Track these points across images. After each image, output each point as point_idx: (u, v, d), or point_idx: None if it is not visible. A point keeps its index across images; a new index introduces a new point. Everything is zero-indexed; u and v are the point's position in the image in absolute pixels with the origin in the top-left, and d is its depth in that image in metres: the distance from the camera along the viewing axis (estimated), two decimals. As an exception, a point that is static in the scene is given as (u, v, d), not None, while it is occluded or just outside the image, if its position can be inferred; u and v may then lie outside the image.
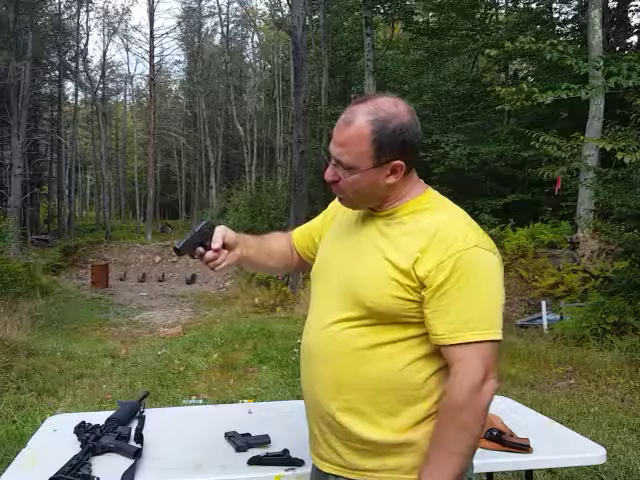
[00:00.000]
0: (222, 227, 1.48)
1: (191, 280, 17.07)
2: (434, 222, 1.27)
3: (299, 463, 1.68)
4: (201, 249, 1.43)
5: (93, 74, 33.99)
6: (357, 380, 1.29)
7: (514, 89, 6.42)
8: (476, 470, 1.43)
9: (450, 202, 1.37)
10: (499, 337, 1.23)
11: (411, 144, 1.28)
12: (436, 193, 1.39)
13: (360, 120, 1.25)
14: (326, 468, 1.36)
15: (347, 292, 1.31)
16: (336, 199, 1.55)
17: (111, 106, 41.92)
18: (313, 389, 1.37)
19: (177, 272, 18.47)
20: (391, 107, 1.26)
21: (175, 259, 19.66)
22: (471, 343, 1.21)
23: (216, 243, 1.43)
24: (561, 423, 2.23)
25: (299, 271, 1.71)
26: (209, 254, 1.43)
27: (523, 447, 1.84)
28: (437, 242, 1.23)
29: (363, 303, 1.28)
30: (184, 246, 1.42)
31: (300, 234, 1.68)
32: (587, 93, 6.28)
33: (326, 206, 1.62)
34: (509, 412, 2.18)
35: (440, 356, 1.28)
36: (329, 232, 1.52)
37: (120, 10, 47.06)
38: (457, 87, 18.67)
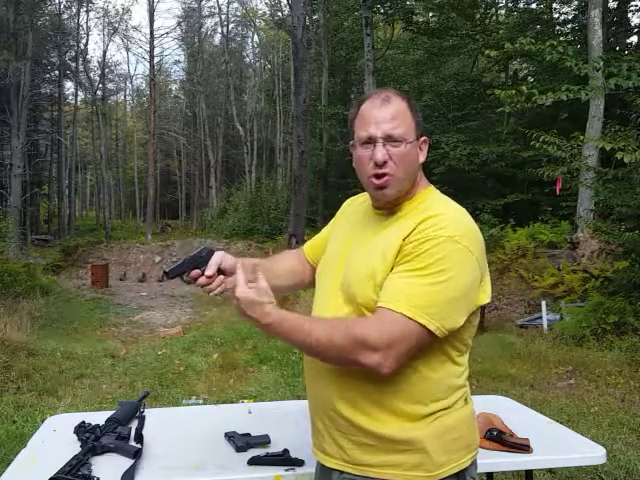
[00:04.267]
0: (220, 253, 1.47)
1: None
2: (425, 213, 1.29)
3: (299, 463, 1.68)
4: (193, 274, 1.42)
5: (93, 74, 34.02)
6: (356, 376, 1.29)
7: (514, 91, 6.41)
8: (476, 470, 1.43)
9: (449, 201, 1.37)
10: (422, 321, 1.19)
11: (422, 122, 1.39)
12: (437, 191, 1.41)
13: (396, 97, 1.34)
14: (330, 463, 1.36)
15: (345, 289, 1.34)
16: (344, 205, 1.59)
17: (111, 106, 41.93)
18: (316, 385, 1.39)
19: (177, 272, 18.44)
20: (397, 92, 1.38)
21: (175, 259, 19.66)
22: (393, 311, 1.20)
23: (209, 269, 1.41)
24: (561, 423, 2.23)
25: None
26: (202, 279, 1.41)
27: (523, 447, 1.85)
28: (418, 228, 1.26)
29: (355, 300, 1.30)
30: (173, 270, 1.42)
31: (311, 246, 1.69)
32: (587, 94, 6.28)
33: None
34: (509, 412, 2.18)
35: (440, 356, 1.29)
36: (336, 232, 1.55)
37: (120, 10, 47.10)
38: (457, 87, 18.66)
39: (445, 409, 1.30)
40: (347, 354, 1.22)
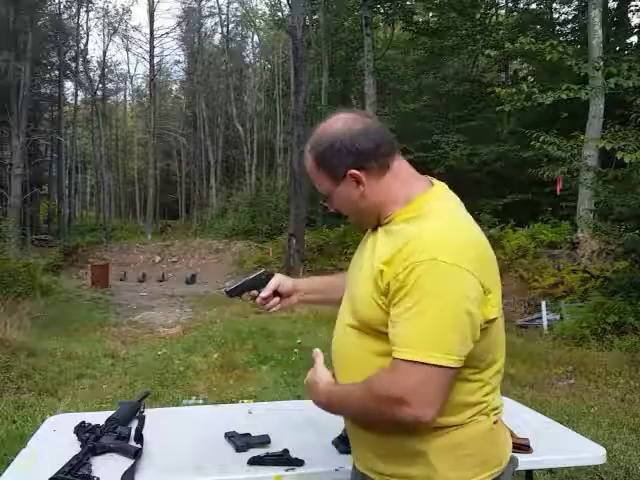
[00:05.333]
0: (279, 276, 1.65)
1: (191, 280, 17.06)
2: (407, 234, 1.20)
3: (299, 463, 1.68)
4: (251, 294, 1.63)
5: (93, 74, 34.02)
6: None
7: (514, 90, 6.42)
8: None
9: (440, 210, 1.27)
10: (436, 361, 1.13)
11: (355, 150, 1.25)
12: (434, 195, 1.31)
13: (308, 152, 1.33)
14: (361, 467, 1.39)
15: (351, 301, 1.34)
16: None
17: (111, 106, 41.90)
18: None
19: (177, 272, 18.48)
20: (325, 126, 1.31)
21: (175, 259, 19.71)
22: (404, 360, 1.15)
23: (265, 292, 1.61)
24: (561, 423, 2.23)
25: None
26: (258, 299, 1.62)
27: (523, 447, 1.84)
28: (400, 255, 1.18)
29: (357, 314, 1.30)
30: (234, 290, 1.64)
31: None
32: (587, 94, 6.29)
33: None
34: (509, 412, 2.18)
35: None
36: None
37: (120, 10, 46.95)
38: (457, 87, 18.68)
39: (455, 425, 1.26)
40: (380, 415, 1.21)
